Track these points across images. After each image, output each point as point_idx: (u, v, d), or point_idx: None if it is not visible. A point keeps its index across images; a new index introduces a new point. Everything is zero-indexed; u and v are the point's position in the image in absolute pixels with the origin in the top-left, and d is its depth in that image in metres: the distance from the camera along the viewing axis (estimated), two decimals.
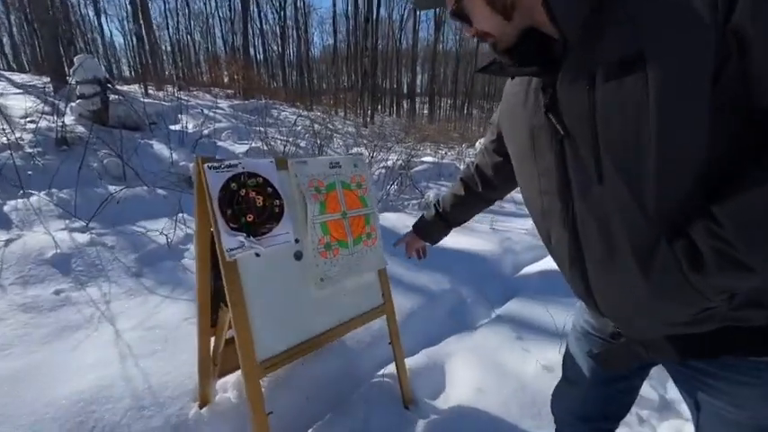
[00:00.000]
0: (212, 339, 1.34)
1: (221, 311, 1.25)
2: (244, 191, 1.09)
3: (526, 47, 0.61)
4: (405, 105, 28.26)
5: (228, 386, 1.49)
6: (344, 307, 1.35)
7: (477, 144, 8.02)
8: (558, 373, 1.00)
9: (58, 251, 2.33)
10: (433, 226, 1.25)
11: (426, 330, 2.00)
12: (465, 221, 1.23)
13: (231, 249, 1.04)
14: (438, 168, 5.66)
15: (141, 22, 11.43)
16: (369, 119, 15.35)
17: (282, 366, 1.15)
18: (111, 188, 3.36)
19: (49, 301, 2.01)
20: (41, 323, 1.86)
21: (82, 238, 2.51)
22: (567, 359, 0.98)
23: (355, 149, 6.90)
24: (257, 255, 1.10)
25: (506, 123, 0.79)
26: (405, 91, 30.25)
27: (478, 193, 1.10)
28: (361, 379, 1.65)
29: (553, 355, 1.63)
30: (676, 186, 0.51)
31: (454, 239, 3.47)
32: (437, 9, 0.77)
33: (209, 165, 1.03)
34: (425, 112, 26.93)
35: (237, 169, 1.08)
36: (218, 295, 1.29)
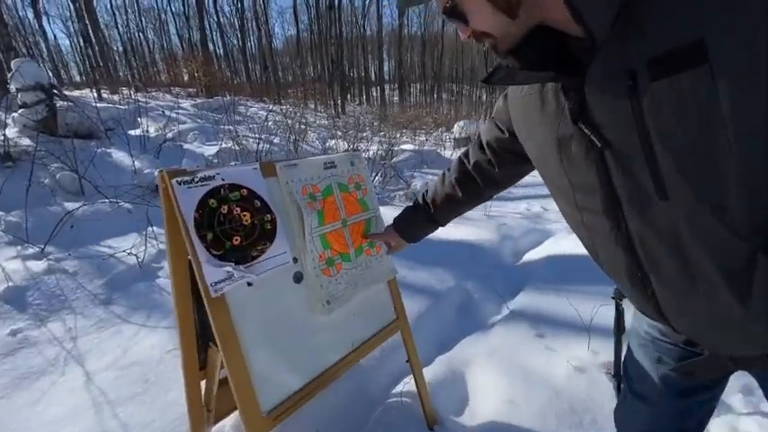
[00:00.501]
0: (203, 382, 1.13)
1: (211, 351, 1.05)
2: (226, 207, 0.88)
3: (533, 47, 0.54)
4: (374, 93, 27.87)
5: (227, 430, 1.29)
6: (355, 329, 1.17)
7: (456, 127, 7.90)
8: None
9: (11, 284, 2.04)
10: (419, 226, 1.11)
11: (437, 334, 1.85)
12: (454, 218, 1.10)
13: (216, 283, 0.83)
14: (420, 156, 5.50)
15: (87, 21, 10.60)
16: (340, 110, 14.98)
17: (294, 412, 0.96)
18: (68, 206, 3.01)
19: (3, 345, 1.73)
20: None
21: (38, 266, 2.21)
22: (632, 370, 0.84)
23: (331, 142, 6.64)
24: (249, 284, 0.89)
25: (522, 127, 0.71)
26: (373, 79, 29.80)
27: (478, 191, 0.98)
28: (376, 400, 1.48)
29: (582, 352, 1.51)
30: None
31: (449, 230, 3.33)
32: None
33: (179, 179, 0.82)
34: (396, 99, 26.65)
35: (215, 181, 0.87)
36: (205, 332, 1.08)
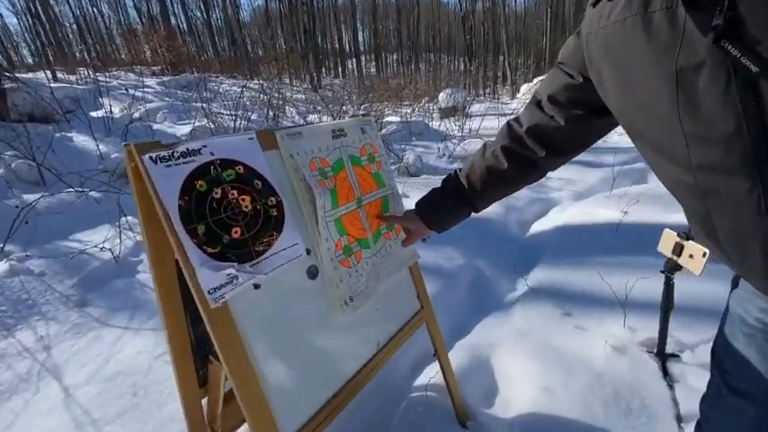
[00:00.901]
0: (204, 400, 0.95)
1: (212, 366, 0.87)
2: (219, 191, 0.68)
3: None
4: (350, 66, 26.92)
5: None
6: (379, 325, 1.01)
7: (441, 95, 7.60)
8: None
9: None
10: (449, 210, 0.90)
11: (452, 317, 1.72)
12: (497, 200, 0.90)
13: (215, 290, 0.64)
14: (408, 127, 5.26)
15: None
16: (316, 83, 14.35)
17: None
18: (27, 197, 2.70)
19: None
20: None
21: None
22: (730, 362, 0.70)
23: (312, 117, 6.30)
24: (256, 286, 0.71)
25: (608, 65, 0.57)
26: (348, 50, 28.74)
27: (533, 162, 0.78)
28: (398, 394, 1.34)
29: (618, 329, 1.40)
30: None
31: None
32: None
33: (153, 155, 0.60)
34: (372, 70, 25.84)
35: (202, 156, 0.66)
36: (202, 345, 0.89)
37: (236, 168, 0.71)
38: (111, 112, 4.49)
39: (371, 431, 1.23)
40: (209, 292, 0.64)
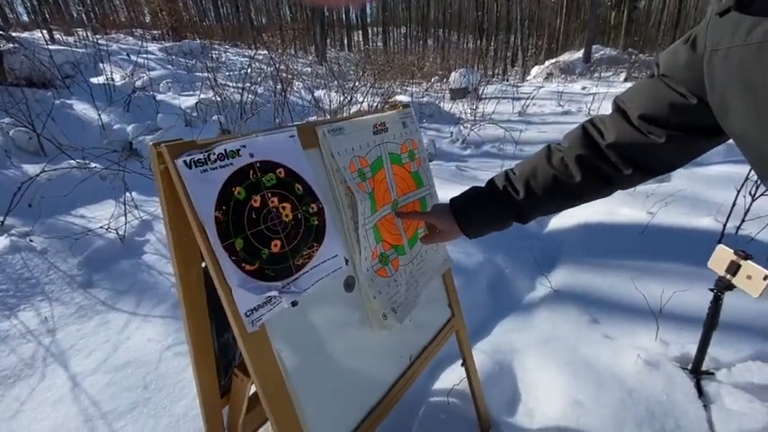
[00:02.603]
0: (225, 409, 0.90)
1: (236, 379, 0.80)
2: (258, 198, 0.59)
3: None
4: (356, 38, 26.12)
5: None
6: (411, 337, 0.94)
7: (453, 76, 7.36)
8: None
9: None
10: (496, 219, 0.78)
11: (472, 316, 1.65)
12: (549, 214, 0.81)
13: (252, 311, 0.57)
14: (419, 108, 5.09)
15: None
16: (322, 56, 13.90)
17: None
18: (27, 168, 2.60)
19: None
20: None
21: None
22: None
23: (320, 92, 6.10)
24: (293, 304, 0.63)
25: (744, 93, 0.46)
26: (355, 21, 27.81)
27: (610, 179, 0.68)
28: (416, 399, 1.30)
29: (650, 342, 1.34)
30: None
31: (459, 193, 3.09)
32: None
33: (187, 159, 0.52)
34: (379, 44, 25.09)
35: (241, 159, 0.57)
36: (224, 354, 0.83)
37: (277, 172, 0.62)
38: (112, 79, 4.31)
39: None
40: (245, 314, 0.56)
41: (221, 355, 0.82)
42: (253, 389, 0.82)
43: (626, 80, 10.27)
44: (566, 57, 13.88)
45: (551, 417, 1.16)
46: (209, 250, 0.53)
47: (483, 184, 0.82)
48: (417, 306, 0.90)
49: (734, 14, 0.45)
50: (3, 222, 2.04)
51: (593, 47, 13.77)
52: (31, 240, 1.91)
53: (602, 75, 11.80)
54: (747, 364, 1.23)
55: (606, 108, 5.88)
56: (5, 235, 1.95)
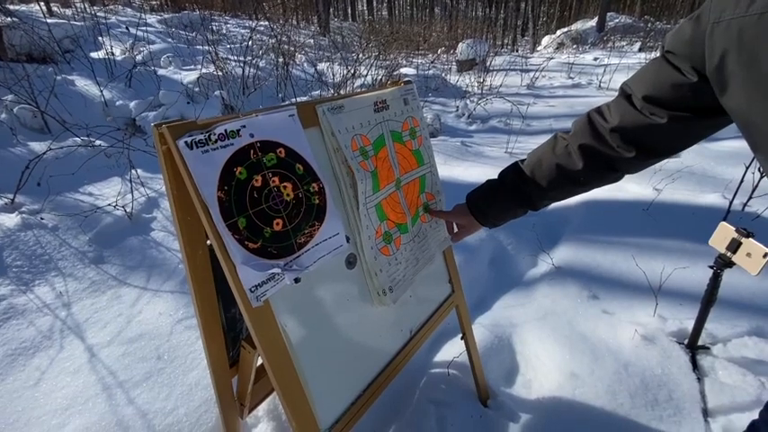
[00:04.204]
0: (234, 378, 0.94)
1: (244, 351, 0.84)
2: (259, 178, 0.60)
3: None
4: (359, 6, 25.22)
5: (261, 416, 1.15)
6: (411, 312, 0.97)
7: (460, 47, 7.13)
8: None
9: None
10: (504, 206, 0.83)
11: (472, 291, 1.69)
12: (558, 201, 0.84)
13: (257, 288, 0.59)
14: (424, 81, 4.98)
15: None
16: (325, 26, 13.48)
17: (354, 425, 0.79)
18: (33, 146, 2.61)
19: None
20: None
21: (10, 220, 1.91)
22: None
23: (323, 66, 5.97)
24: (296, 281, 0.65)
25: (743, 65, 0.46)
26: None
27: (613, 164, 0.69)
28: (418, 370, 1.35)
29: (647, 317, 1.36)
30: None
31: (465, 171, 3.06)
32: None
33: (188, 140, 0.52)
34: (384, 13, 24.24)
35: (242, 139, 0.58)
36: (232, 327, 0.86)
37: (278, 152, 0.62)
38: (112, 53, 4.24)
39: (392, 406, 1.24)
40: (250, 290, 0.58)
41: (229, 328, 0.85)
42: (260, 360, 0.86)
43: (641, 50, 9.89)
44: (578, 25, 13.35)
45: (548, 388, 1.21)
46: (214, 229, 0.55)
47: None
48: (414, 284, 0.93)
49: None
50: (13, 200, 2.08)
51: (608, 14, 13.21)
52: (42, 218, 1.94)
53: (616, 44, 11.38)
54: (743, 340, 1.25)
55: (618, 81, 5.71)
56: (16, 213, 1.99)
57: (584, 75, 6.55)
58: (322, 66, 5.76)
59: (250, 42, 5.02)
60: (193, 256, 0.67)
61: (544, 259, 1.83)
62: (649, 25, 12.74)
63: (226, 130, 0.56)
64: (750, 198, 1.95)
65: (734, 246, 1.00)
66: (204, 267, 0.71)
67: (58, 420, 1.16)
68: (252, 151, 0.59)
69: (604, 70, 6.18)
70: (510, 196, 0.81)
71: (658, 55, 0.60)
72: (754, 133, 0.49)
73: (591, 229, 1.96)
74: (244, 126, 0.58)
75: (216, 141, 0.55)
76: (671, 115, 0.58)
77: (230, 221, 0.56)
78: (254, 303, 0.59)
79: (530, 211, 0.84)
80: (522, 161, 0.80)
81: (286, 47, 5.10)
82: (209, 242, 0.69)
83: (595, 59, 8.17)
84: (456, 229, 0.99)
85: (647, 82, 0.60)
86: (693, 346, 1.23)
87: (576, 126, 0.73)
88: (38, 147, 2.55)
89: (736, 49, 0.45)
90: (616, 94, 0.69)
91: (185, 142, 0.52)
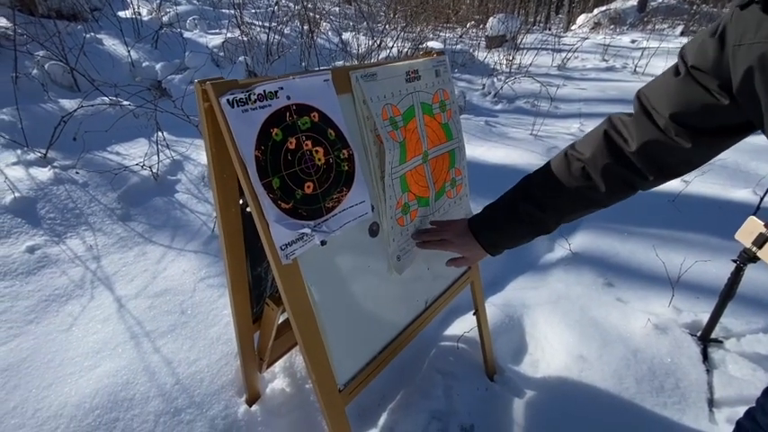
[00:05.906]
0: (256, 334, 1.00)
1: (267, 308, 0.88)
2: (293, 141, 0.61)
3: None
4: None
5: (278, 372, 1.21)
6: (429, 285, 1.00)
7: (490, 22, 6.86)
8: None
9: (17, 195, 1.84)
10: (514, 235, 0.79)
11: (488, 271, 1.70)
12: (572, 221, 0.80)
13: (287, 246, 0.62)
14: (451, 57, 4.84)
15: None
16: None
17: (367, 385, 0.83)
18: (64, 103, 2.67)
19: (23, 263, 1.60)
20: (20, 293, 1.49)
21: (43, 174, 1.99)
22: None
23: (348, 35, 5.85)
24: (323, 243, 0.68)
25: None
26: None
27: (634, 184, 0.67)
28: (428, 341, 1.39)
29: (662, 308, 1.36)
30: None
31: (488, 151, 3.02)
32: None
33: (230, 98, 0.54)
34: None
35: (279, 101, 0.59)
36: (257, 285, 0.90)
37: (312, 116, 0.64)
38: (139, 13, 4.24)
39: (402, 373, 1.29)
40: (281, 248, 0.61)
41: (254, 286, 0.89)
42: (281, 318, 0.90)
43: (683, 34, 9.35)
44: (618, 4, 12.63)
45: (555, 368, 1.23)
46: (250, 187, 0.57)
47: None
48: (423, 256, 0.93)
49: (756, 10, 0.44)
50: (45, 154, 2.16)
51: None
52: (77, 172, 2.02)
53: (657, 27, 10.76)
54: (758, 336, 1.25)
55: (656, 66, 5.43)
56: (49, 167, 2.07)
57: (619, 57, 6.25)
58: (347, 35, 5.64)
59: (276, 8, 4.94)
60: (227, 212, 0.70)
61: (561, 244, 1.82)
62: (694, 8, 11.97)
63: (264, 91, 0.57)
64: None
65: (760, 241, 0.99)
66: (236, 225, 0.74)
67: (90, 362, 1.25)
68: (288, 114, 0.60)
69: (642, 53, 5.88)
70: (522, 225, 0.76)
71: (677, 66, 0.57)
72: None
73: (612, 218, 1.93)
74: (281, 88, 0.59)
75: (255, 101, 0.56)
76: (697, 138, 0.56)
77: (265, 181, 0.58)
78: (284, 261, 0.62)
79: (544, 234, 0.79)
80: (532, 186, 0.76)
81: (311, 14, 5.00)
82: (241, 201, 0.72)
83: (633, 42, 7.77)
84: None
85: (671, 100, 0.57)
86: (706, 338, 1.23)
87: (593, 146, 0.68)
88: (68, 104, 2.61)
89: (761, 73, 0.44)
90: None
91: (227, 100, 0.53)
